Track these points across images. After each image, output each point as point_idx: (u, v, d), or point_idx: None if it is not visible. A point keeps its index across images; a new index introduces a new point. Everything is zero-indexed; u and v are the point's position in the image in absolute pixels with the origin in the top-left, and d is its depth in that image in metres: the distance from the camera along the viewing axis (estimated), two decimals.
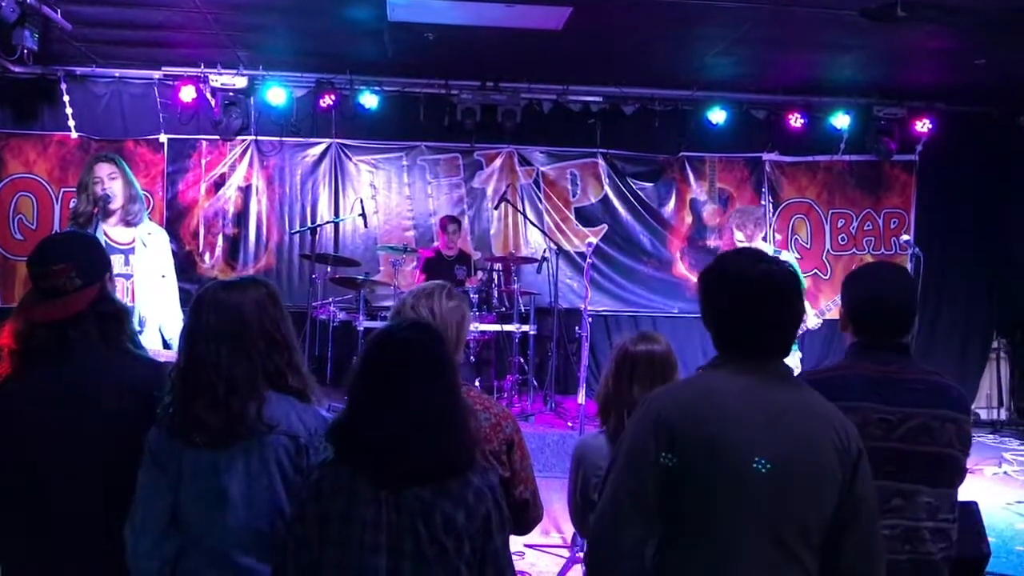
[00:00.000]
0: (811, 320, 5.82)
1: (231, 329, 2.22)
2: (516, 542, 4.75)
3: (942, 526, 2.44)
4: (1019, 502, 6.20)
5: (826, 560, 2.03)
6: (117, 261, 4.23)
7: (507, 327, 7.77)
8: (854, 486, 2.03)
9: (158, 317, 4.39)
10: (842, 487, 2.01)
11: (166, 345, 4.47)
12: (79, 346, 2.38)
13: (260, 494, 2.19)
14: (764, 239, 6.26)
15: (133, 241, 4.39)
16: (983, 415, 9.26)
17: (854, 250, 9.23)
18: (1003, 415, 9.27)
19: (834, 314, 4.48)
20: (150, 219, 4.73)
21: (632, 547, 1.99)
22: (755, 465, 1.96)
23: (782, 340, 2.12)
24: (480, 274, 8.35)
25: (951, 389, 2.52)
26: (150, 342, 4.24)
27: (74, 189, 4.71)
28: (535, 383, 8.00)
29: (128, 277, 4.28)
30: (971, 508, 3.19)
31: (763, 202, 9.13)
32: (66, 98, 8.26)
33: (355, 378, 2.06)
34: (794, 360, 5.91)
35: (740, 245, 6.00)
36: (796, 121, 8.71)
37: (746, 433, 1.98)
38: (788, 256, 6.26)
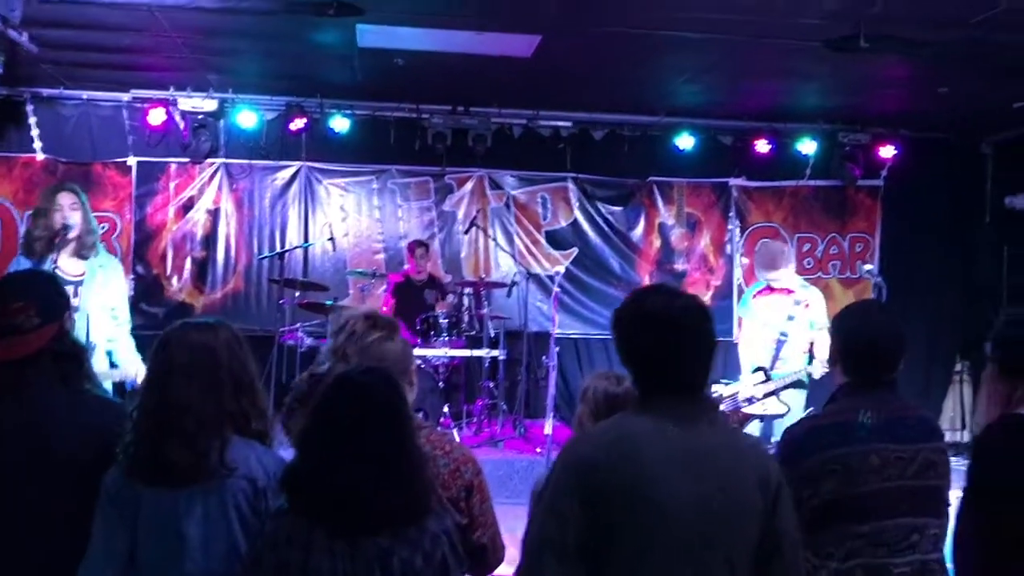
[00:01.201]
0: (821, 352, 5.77)
1: (203, 369, 2.23)
2: None
3: (942, 555, 2.55)
4: None
5: None
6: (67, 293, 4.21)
7: (477, 352, 7.77)
8: (775, 519, 2.08)
9: (106, 345, 4.36)
10: (763, 521, 2.06)
11: (112, 365, 4.46)
12: (36, 385, 2.36)
13: (218, 537, 2.18)
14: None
15: (83, 274, 4.36)
16: (947, 437, 9.34)
17: (820, 274, 9.33)
18: (966, 437, 9.37)
19: None
20: (105, 251, 4.70)
21: None
22: (677, 506, 1.98)
23: (702, 374, 2.14)
24: (451, 298, 8.35)
25: (934, 422, 2.69)
26: (97, 363, 4.22)
27: None
28: (505, 408, 7.99)
29: (76, 309, 4.24)
30: None
31: (730, 226, 9.22)
32: (32, 120, 8.17)
33: (309, 425, 2.06)
34: (799, 401, 5.89)
35: (770, 281, 6.08)
36: (763, 147, 8.80)
37: (667, 476, 2.00)
38: (815, 291, 6.21)
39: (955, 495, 2.54)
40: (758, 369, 5.91)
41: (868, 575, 2.43)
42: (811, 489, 2.46)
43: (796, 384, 5.85)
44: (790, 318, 5.93)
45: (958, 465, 7.57)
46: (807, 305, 6.00)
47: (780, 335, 5.92)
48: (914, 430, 2.54)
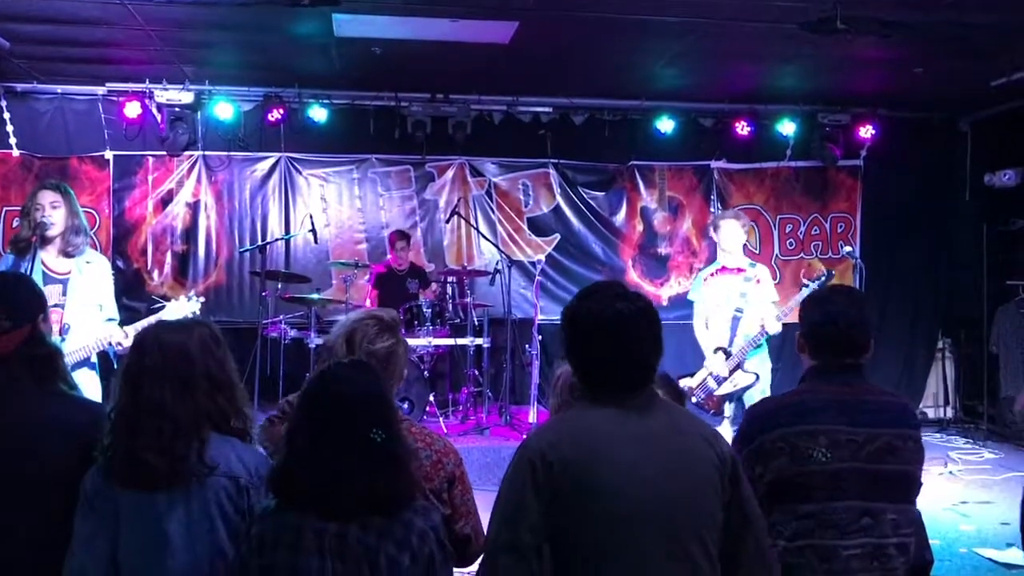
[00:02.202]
0: (772, 326, 5.87)
1: (177, 370, 2.21)
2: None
3: (904, 541, 2.55)
4: (964, 503, 6.32)
5: (725, 570, 2.10)
6: (54, 291, 4.21)
7: (461, 340, 7.78)
8: (737, 493, 2.12)
9: (90, 335, 4.34)
10: (724, 496, 2.10)
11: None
12: (7, 389, 2.34)
13: (201, 537, 2.18)
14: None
15: (69, 272, 4.35)
16: (930, 414, 9.46)
17: (802, 254, 9.37)
18: (949, 413, 9.48)
19: (792, 318, 4.54)
20: (91, 249, 4.69)
21: None
22: (635, 496, 2.01)
23: (642, 374, 2.16)
24: (434, 287, 8.34)
25: (907, 408, 2.68)
26: (72, 345, 4.20)
27: (16, 208, 4.68)
28: (490, 395, 8.01)
29: (62, 307, 4.24)
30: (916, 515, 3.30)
31: (712, 209, 9.23)
32: (6, 115, 8.09)
33: (295, 421, 2.07)
34: (765, 366, 6.00)
35: (733, 234, 6.12)
36: (743, 129, 8.81)
37: (621, 466, 2.03)
38: (762, 267, 6.31)
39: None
40: (718, 349, 5.97)
41: (815, 556, 2.45)
42: (762, 467, 2.52)
43: (755, 347, 5.92)
44: (742, 295, 6.02)
45: (942, 441, 7.69)
46: (758, 281, 6.12)
47: (735, 312, 5.99)
48: (876, 415, 2.55)
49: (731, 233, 6.17)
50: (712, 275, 6.23)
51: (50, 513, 2.24)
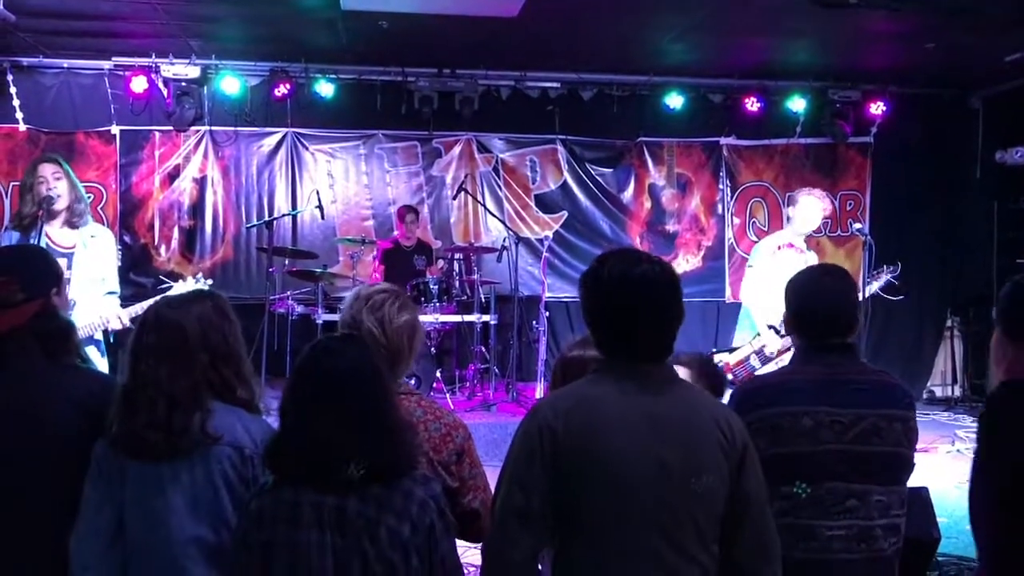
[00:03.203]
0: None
1: (171, 346, 2.21)
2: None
3: (894, 522, 2.51)
4: None
5: (723, 555, 2.08)
6: (59, 264, 4.18)
7: (468, 317, 7.77)
8: (741, 481, 2.08)
9: (94, 312, 4.32)
10: (730, 483, 2.06)
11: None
12: (17, 361, 2.34)
13: (205, 505, 2.19)
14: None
15: (74, 245, 4.32)
16: (937, 392, 9.45)
17: (811, 232, 9.29)
18: (957, 392, 9.46)
19: None
20: (94, 221, 4.66)
21: (522, 561, 2.02)
22: (641, 470, 1.99)
23: (662, 342, 2.12)
24: (440, 263, 8.32)
25: (896, 388, 2.60)
26: (78, 321, 4.20)
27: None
28: (497, 371, 8.01)
29: (68, 282, 4.21)
30: (921, 494, 3.26)
31: (721, 186, 9.18)
32: (13, 90, 8.07)
33: (287, 394, 2.06)
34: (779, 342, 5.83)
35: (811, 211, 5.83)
36: (753, 105, 8.75)
37: (629, 440, 2.00)
38: (812, 252, 6.08)
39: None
40: (770, 327, 5.74)
41: (797, 536, 2.43)
42: None
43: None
44: None
45: (950, 420, 7.64)
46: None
47: None
48: (863, 395, 2.50)
49: (810, 210, 5.86)
50: (780, 248, 5.89)
51: (62, 481, 2.24)
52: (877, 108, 8.84)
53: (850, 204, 9.40)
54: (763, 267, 5.89)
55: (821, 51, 7.89)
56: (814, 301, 2.61)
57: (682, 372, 3.31)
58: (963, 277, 9.44)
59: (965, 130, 9.26)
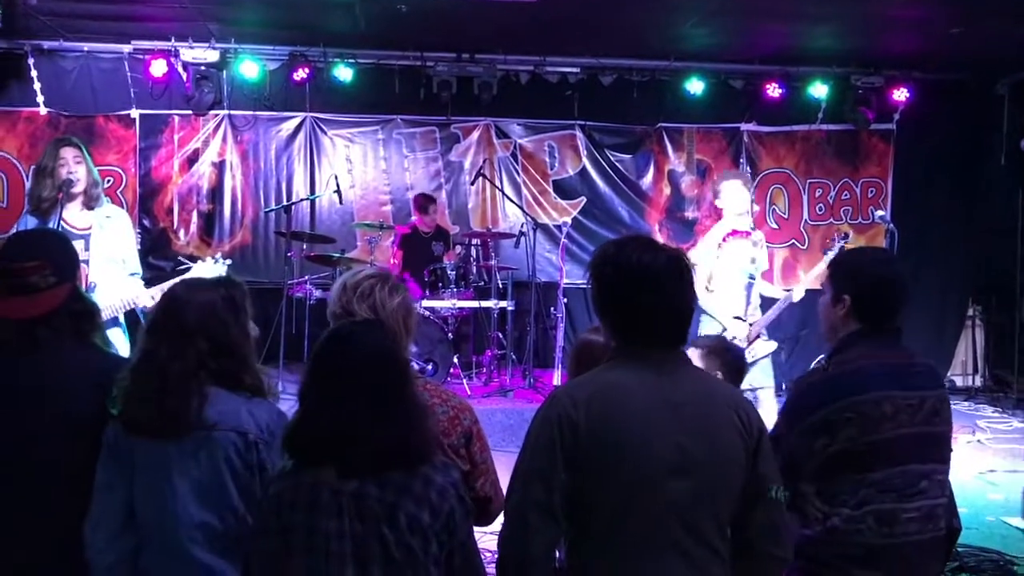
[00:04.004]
0: (798, 293, 5.76)
1: (171, 328, 2.24)
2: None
3: (948, 502, 2.56)
4: (991, 471, 6.26)
5: (734, 537, 2.08)
6: (77, 248, 4.19)
7: (485, 303, 7.76)
8: (757, 464, 2.08)
9: (115, 294, 4.34)
10: (746, 467, 2.06)
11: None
12: (48, 343, 2.36)
13: (210, 490, 2.20)
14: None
15: (90, 227, 4.35)
16: (958, 382, 9.35)
17: (831, 220, 9.24)
18: (978, 382, 9.36)
19: (813, 284, 4.48)
20: (110, 203, 4.69)
21: (542, 554, 2.02)
22: (661, 458, 1.98)
23: (681, 329, 2.12)
24: (458, 249, 8.31)
25: (936, 368, 2.68)
26: (100, 302, 4.21)
27: None
28: (514, 358, 8.00)
29: (87, 263, 4.24)
30: None
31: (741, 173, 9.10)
32: (34, 73, 8.10)
33: (306, 379, 2.05)
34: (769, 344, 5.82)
35: (735, 195, 5.84)
36: (774, 91, 8.65)
37: (649, 427, 2.00)
38: (759, 232, 6.14)
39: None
40: (736, 317, 5.75)
41: (879, 521, 2.43)
42: (827, 438, 2.45)
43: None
44: (753, 260, 5.82)
45: (970, 410, 7.62)
46: (761, 246, 5.94)
47: (749, 279, 5.79)
48: (920, 376, 2.54)
49: (735, 194, 5.86)
50: (726, 239, 5.92)
51: (78, 461, 2.25)
52: (900, 94, 8.73)
53: (871, 191, 9.31)
54: (708, 263, 5.86)
55: (844, 36, 7.79)
56: (886, 288, 2.59)
57: (696, 356, 3.30)
58: (986, 266, 9.33)
59: (990, 117, 9.12)
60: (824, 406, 2.47)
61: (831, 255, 5.59)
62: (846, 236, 6.04)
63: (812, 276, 5.85)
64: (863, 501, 2.43)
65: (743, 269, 5.80)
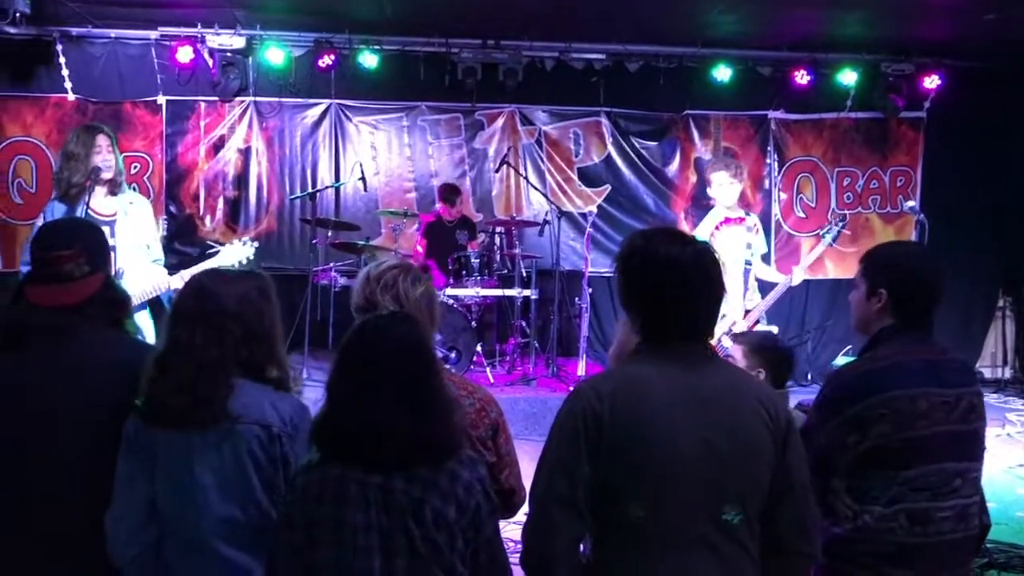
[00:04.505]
0: (798, 277, 5.84)
1: (207, 314, 2.22)
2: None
3: (981, 501, 2.53)
4: (1021, 465, 6.18)
5: (763, 533, 2.06)
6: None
7: (509, 291, 7.75)
8: (785, 459, 2.06)
9: (144, 280, 4.39)
10: (774, 462, 2.04)
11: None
12: (83, 332, 2.38)
13: (233, 483, 2.19)
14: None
15: (115, 213, 4.41)
16: (987, 374, 9.23)
17: (859, 209, 9.14)
18: (1007, 374, 9.25)
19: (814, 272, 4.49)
20: (130, 189, 4.76)
21: (565, 548, 2.01)
22: (687, 453, 1.96)
23: (708, 321, 2.11)
24: (482, 237, 8.30)
25: (970, 364, 2.60)
26: (129, 287, 4.25)
27: None
28: (537, 346, 7.99)
29: (114, 250, 4.27)
30: None
31: (768, 161, 9.03)
32: (62, 59, 8.13)
33: (334, 372, 2.04)
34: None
35: (722, 188, 5.88)
36: (802, 78, 8.55)
37: (674, 421, 1.98)
38: (754, 216, 6.13)
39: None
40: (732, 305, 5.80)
41: (912, 520, 2.40)
42: (859, 434, 2.42)
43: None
44: (748, 246, 5.86)
45: (1000, 403, 7.50)
46: (757, 231, 5.98)
47: (745, 265, 5.83)
48: (956, 373, 2.50)
49: (721, 187, 5.93)
50: (719, 227, 5.97)
51: (105, 448, 2.25)
52: (931, 82, 8.60)
53: (900, 180, 9.19)
54: None
55: (874, 23, 7.68)
56: (925, 284, 2.55)
57: (739, 353, 3.28)
58: (1017, 256, 9.18)
59: (1023, 105, 8.97)
60: (857, 401, 2.43)
61: (829, 238, 5.75)
62: (844, 219, 6.17)
63: (811, 259, 6.10)
64: (895, 499, 2.39)
65: (738, 257, 5.84)
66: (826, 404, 2.53)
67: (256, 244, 4.86)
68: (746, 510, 2.00)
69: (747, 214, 6.03)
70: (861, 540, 2.41)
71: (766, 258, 6.20)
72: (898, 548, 2.38)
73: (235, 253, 4.72)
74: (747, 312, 5.76)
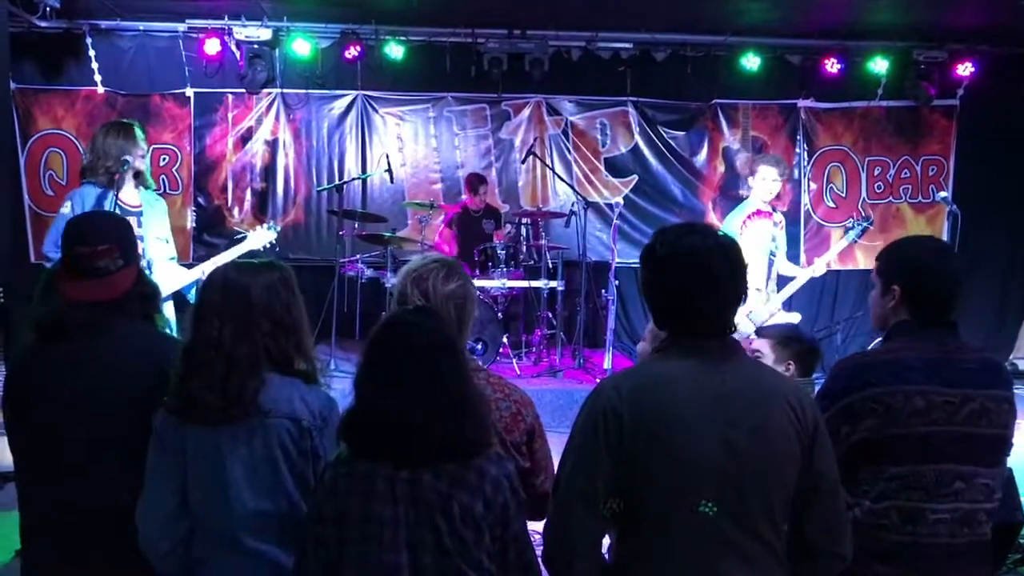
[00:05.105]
0: (820, 268, 6.04)
1: (236, 309, 2.20)
2: None
3: (995, 507, 2.44)
4: None
5: (791, 536, 2.03)
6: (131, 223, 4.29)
7: (535, 283, 7.73)
8: (813, 460, 2.02)
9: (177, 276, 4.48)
10: (801, 462, 2.00)
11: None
12: (119, 326, 2.39)
13: (264, 477, 2.18)
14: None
15: (141, 204, 4.49)
16: (1020, 365, 9.09)
17: (891, 198, 9.03)
18: None
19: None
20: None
21: (589, 547, 2.00)
22: (710, 452, 1.93)
23: (731, 315, 2.07)
24: (508, 228, 8.28)
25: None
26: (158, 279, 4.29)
27: None
28: (563, 338, 7.96)
29: (141, 239, 4.34)
30: (1006, 475, 3.16)
31: (797, 150, 8.94)
32: (92, 52, 8.21)
33: (361, 367, 2.04)
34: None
35: (766, 183, 5.92)
36: (832, 66, 8.45)
37: (695, 420, 1.95)
38: (779, 215, 6.20)
39: None
40: (758, 290, 5.89)
41: (902, 517, 2.34)
42: (850, 426, 2.37)
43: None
44: (773, 239, 5.99)
45: None
46: (781, 227, 6.11)
47: (770, 256, 5.96)
48: (969, 375, 2.40)
49: (767, 182, 5.94)
50: (750, 217, 6.00)
51: (138, 441, 2.26)
52: (964, 69, 8.47)
53: (932, 170, 9.06)
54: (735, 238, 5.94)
55: (906, 10, 7.56)
56: (938, 280, 2.48)
57: (766, 346, 3.24)
58: None
59: None
60: (850, 393, 2.39)
61: (852, 235, 6.00)
62: (869, 218, 6.25)
63: (833, 254, 6.32)
64: (884, 495, 2.35)
65: (765, 248, 5.97)
66: (823, 395, 2.50)
67: (279, 227, 5.01)
68: (771, 509, 1.97)
69: (774, 210, 6.11)
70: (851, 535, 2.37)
71: (787, 255, 6.28)
72: (889, 546, 2.33)
73: (261, 238, 4.87)
74: (767, 301, 5.91)
